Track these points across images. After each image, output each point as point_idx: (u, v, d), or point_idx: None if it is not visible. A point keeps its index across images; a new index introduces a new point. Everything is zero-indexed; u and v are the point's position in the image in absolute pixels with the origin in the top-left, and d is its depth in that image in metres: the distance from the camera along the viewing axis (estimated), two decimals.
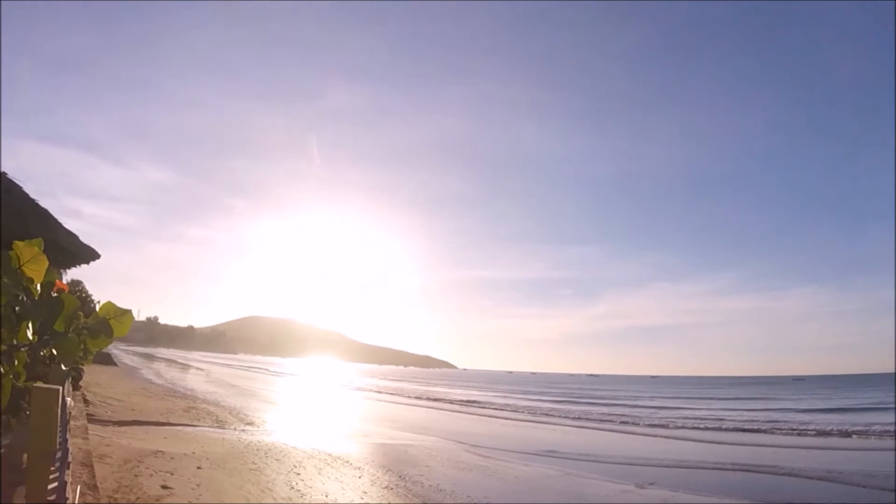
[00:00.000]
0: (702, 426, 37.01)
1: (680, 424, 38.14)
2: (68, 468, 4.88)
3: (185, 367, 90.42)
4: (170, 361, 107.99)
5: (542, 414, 44.12)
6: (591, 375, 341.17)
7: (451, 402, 54.33)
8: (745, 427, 35.69)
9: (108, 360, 53.20)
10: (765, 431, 33.86)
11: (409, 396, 59.29)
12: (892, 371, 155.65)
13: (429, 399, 56.76)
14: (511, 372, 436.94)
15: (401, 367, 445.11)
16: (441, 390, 79.25)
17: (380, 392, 65.17)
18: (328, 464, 14.75)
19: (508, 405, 52.52)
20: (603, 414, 45.63)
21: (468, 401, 55.70)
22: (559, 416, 42.31)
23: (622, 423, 39.06)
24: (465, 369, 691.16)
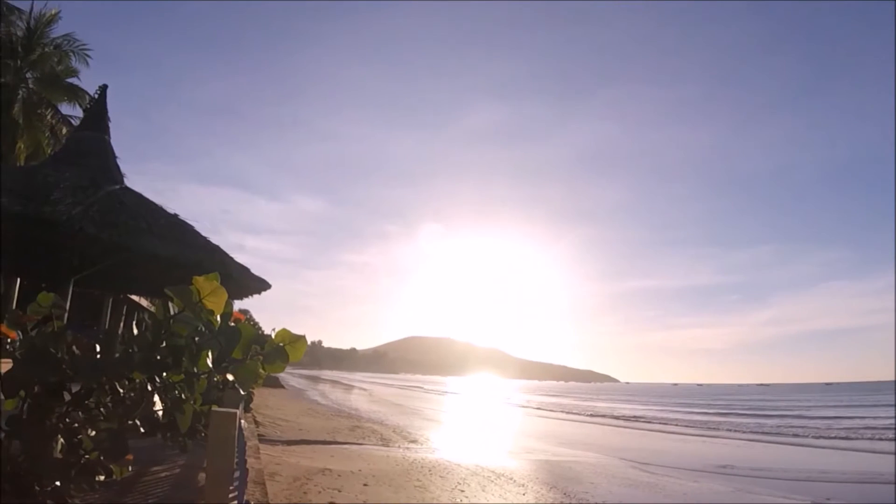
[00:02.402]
0: (884, 437, 34.60)
1: (859, 435, 35.86)
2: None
3: (348, 387, 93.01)
4: (334, 383, 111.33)
5: (710, 428, 42.41)
6: (762, 385, 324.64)
7: (614, 417, 53.23)
8: None
9: (276, 383, 55.41)
10: None
11: (571, 412, 58.56)
12: None
13: (591, 414, 55.82)
14: (676, 384, 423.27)
15: (562, 383, 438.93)
16: (604, 405, 77.81)
17: (541, 408, 64.73)
18: (492, 480, 14.79)
19: (674, 419, 50.92)
20: (775, 426, 43.41)
21: (632, 416, 54.41)
22: (728, 430, 40.57)
23: (796, 435, 37.02)
24: (627, 383, 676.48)
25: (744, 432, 38.94)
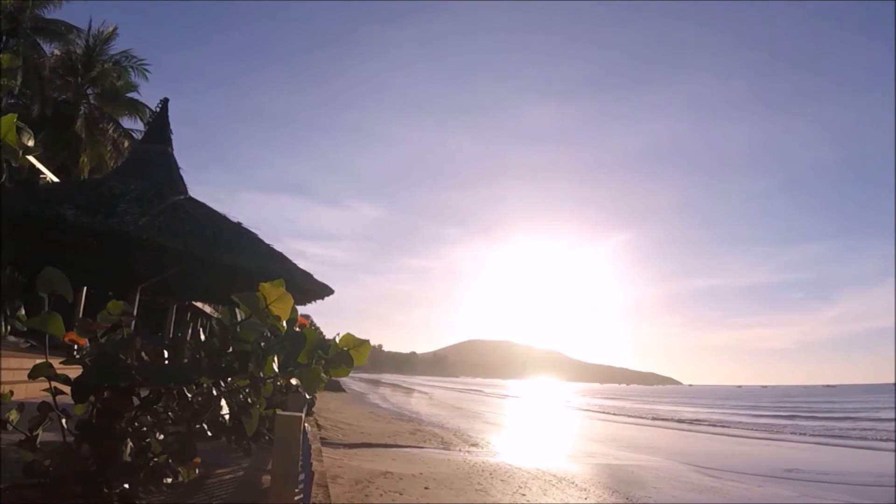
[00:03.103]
0: None
1: None
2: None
3: (408, 391, 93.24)
4: (394, 386, 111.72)
5: (775, 431, 41.42)
6: (828, 386, 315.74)
7: (676, 420, 52.41)
8: None
9: (337, 387, 55.87)
10: None
11: (632, 415, 57.85)
12: None
13: (653, 418, 55.02)
14: (740, 386, 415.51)
15: (623, 386, 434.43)
16: (666, 408, 76.70)
17: (602, 411, 64.12)
18: (553, 485, 14.70)
19: (738, 422, 49.90)
20: (842, 429, 42.28)
21: (695, 419, 53.56)
22: (793, 433, 39.57)
23: (864, 438, 36.02)
24: (690, 385, 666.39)
25: (810, 435, 38.04)
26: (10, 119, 3.05)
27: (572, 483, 15.18)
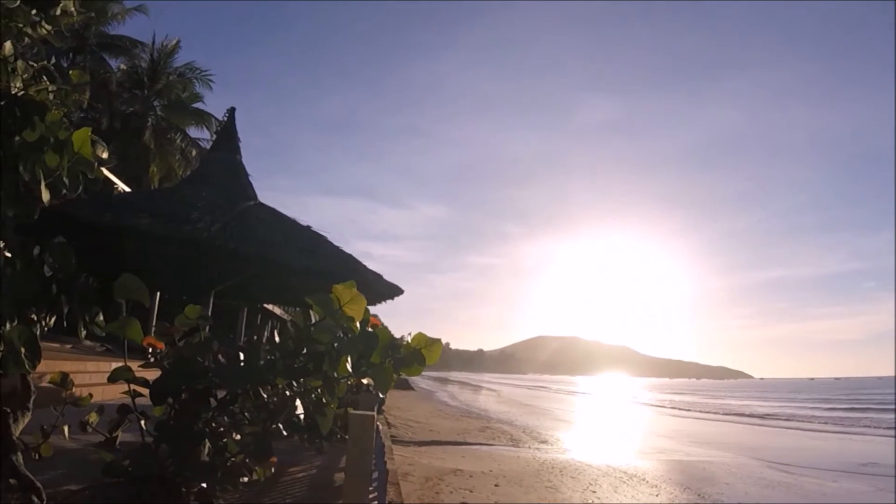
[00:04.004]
0: None
1: None
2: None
3: (476, 388, 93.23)
4: (462, 384, 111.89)
5: (849, 424, 40.28)
6: None
7: (748, 415, 51.39)
8: None
9: (405, 386, 56.21)
10: None
11: (702, 410, 56.83)
12: None
13: (724, 413, 54.04)
14: (812, 379, 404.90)
15: (693, 380, 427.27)
16: (737, 402, 75.31)
17: (672, 407, 63.16)
18: (624, 481, 14.57)
19: (811, 416, 48.73)
20: None
21: (767, 413, 52.48)
22: (867, 426, 38.36)
23: None
24: (762, 379, 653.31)
25: (885, 428, 36.92)
26: (85, 133, 3.16)
27: (643, 480, 15.04)
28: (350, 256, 14.55)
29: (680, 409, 60.05)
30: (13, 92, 3.26)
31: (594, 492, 12.93)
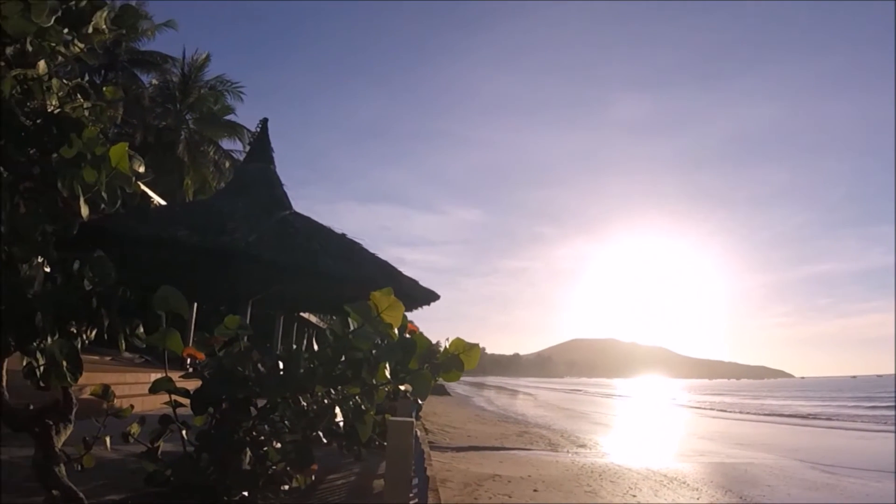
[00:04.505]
0: None
1: None
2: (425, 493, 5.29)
3: (513, 393, 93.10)
4: (499, 389, 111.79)
5: (893, 423, 39.51)
6: None
7: (789, 415, 50.71)
8: None
9: (442, 391, 56.25)
10: None
11: (742, 411, 56.18)
12: None
13: (764, 413, 53.39)
14: (854, 377, 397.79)
15: (732, 381, 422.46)
16: (777, 403, 74.35)
17: (711, 408, 62.55)
18: (664, 485, 14.47)
19: (853, 415, 47.92)
20: None
21: (808, 413, 51.76)
22: None
23: None
24: (802, 378, 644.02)
25: None
26: (122, 148, 3.20)
27: (683, 483, 14.92)
28: (385, 263, 14.64)
29: (719, 410, 59.47)
30: (49, 110, 3.31)
31: (634, 496, 12.86)
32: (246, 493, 3.14)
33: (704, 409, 62.50)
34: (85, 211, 3.07)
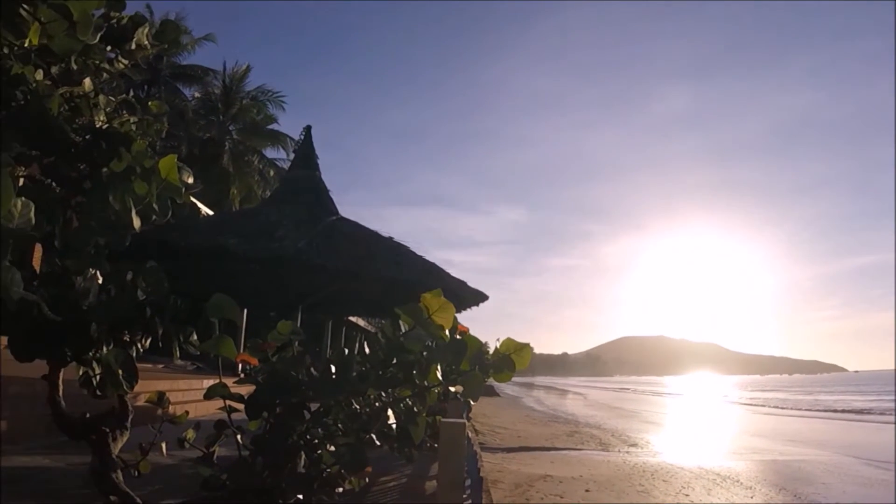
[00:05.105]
0: None
1: None
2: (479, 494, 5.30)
3: (563, 393, 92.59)
4: (548, 388, 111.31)
5: None
6: None
7: (843, 410, 49.81)
8: None
9: (491, 392, 56.14)
10: None
11: (795, 407, 55.23)
12: None
13: (818, 409, 52.48)
14: None
15: (785, 376, 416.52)
16: (831, 398, 72.99)
17: (763, 405, 61.65)
18: (717, 483, 14.31)
19: None
20: None
21: (863, 408, 50.78)
22: None
23: None
24: (856, 372, 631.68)
25: None
26: (171, 159, 3.26)
27: (737, 481, 14.74)
28: (433, 265, 14.74)
29: (772, 406, 58.63)
30: (97, 126, 3.38)
31: (687, 495, 12.75)
32: (301, 496, 3.17)
33: (756, 405, 61.65)
34: (137, 223, 3.13)
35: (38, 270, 3.05)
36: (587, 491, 12.24)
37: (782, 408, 55.64)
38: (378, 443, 3.64)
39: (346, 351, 3.37)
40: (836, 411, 49.31)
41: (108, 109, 3.52)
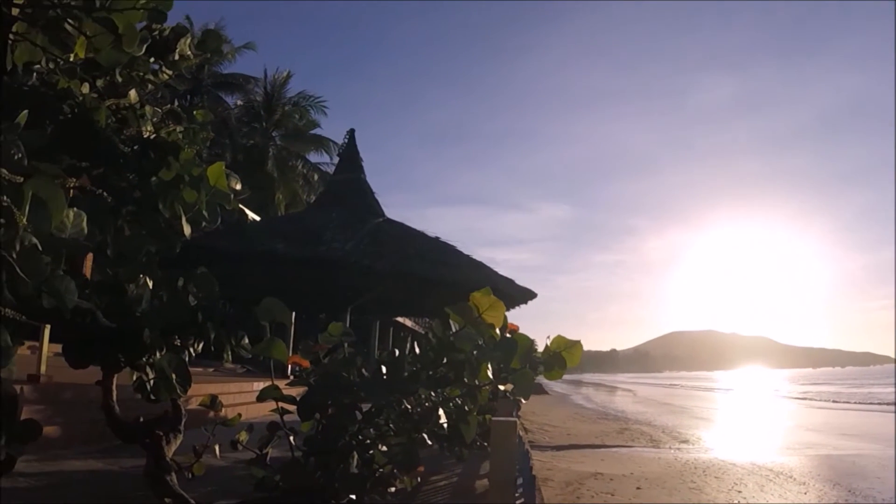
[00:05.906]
0: None
1: None
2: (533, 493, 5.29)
3: (612, 389, 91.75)
4: (597, 385, 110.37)
5: None
6: None
7: None
8: None
9: (540, 390, 55.84)
10: None
11: (849, 401, 54.19)
12: None
13: (872, 402, 51.40)
14: None
15: (837, 369, 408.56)
16: (885, 390, 71.34)
17: (816, 398, 60.56)
18: (770, 479, 14.09)
19: None
20: None
21: None
22: None
23: None
24: None
25: None
26: (219, 167, 3.31)
27: (790, 477, 14.51)
28: (480, 263, 14.76)
29: (824, 399, 57.55)
30: (145, 136, 3.45)
31: (739, 491, 12.57)
32: (354, 496, 3.20)
33: (809, 399, 60.56)
34: (187, 230, 3.19)
35: (89, 279, 3.12)
36: (638, 488, 12.12)
37: (835, 401, 54.64)
38: (430, 442, 3.66)
39: (397, 351, 3.40)
40: (889, 404, 48.31)
41: (154, 120, 3.60)
